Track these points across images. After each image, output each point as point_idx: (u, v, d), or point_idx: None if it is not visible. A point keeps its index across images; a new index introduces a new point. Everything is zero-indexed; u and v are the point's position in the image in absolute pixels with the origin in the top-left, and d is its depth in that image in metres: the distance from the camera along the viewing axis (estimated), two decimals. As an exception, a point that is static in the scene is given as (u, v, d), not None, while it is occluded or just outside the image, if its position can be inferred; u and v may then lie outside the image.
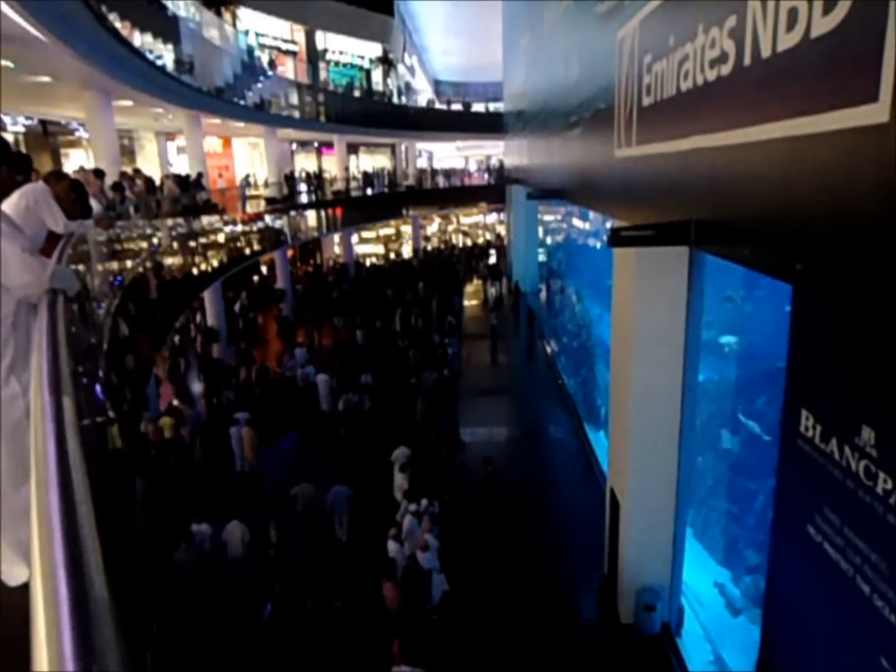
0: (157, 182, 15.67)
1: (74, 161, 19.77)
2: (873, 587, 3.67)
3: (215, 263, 19.85)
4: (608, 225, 8.43)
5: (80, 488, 1.35)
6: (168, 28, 15.36)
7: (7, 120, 17.12)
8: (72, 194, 4.99)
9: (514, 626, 8.66)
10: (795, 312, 4.54)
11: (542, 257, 28.27)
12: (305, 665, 7.83)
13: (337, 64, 34.61)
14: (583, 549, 10.22)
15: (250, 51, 24.90)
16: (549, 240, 26.67)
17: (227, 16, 24.15)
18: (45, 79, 12.18)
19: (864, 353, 3.82)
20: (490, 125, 33.55)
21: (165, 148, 23.98)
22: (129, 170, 14.97)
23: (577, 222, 19.36)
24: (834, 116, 2.56)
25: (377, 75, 37.38)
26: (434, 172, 37.76)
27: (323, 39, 33.12)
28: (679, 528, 8.32)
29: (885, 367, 3.62)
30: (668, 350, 7.67)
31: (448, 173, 38.22)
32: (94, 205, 7.03)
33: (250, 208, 23.13)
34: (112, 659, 1.02)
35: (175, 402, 14.97)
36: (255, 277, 29.53)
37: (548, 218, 26.97)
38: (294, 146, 33.23)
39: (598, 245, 15.85)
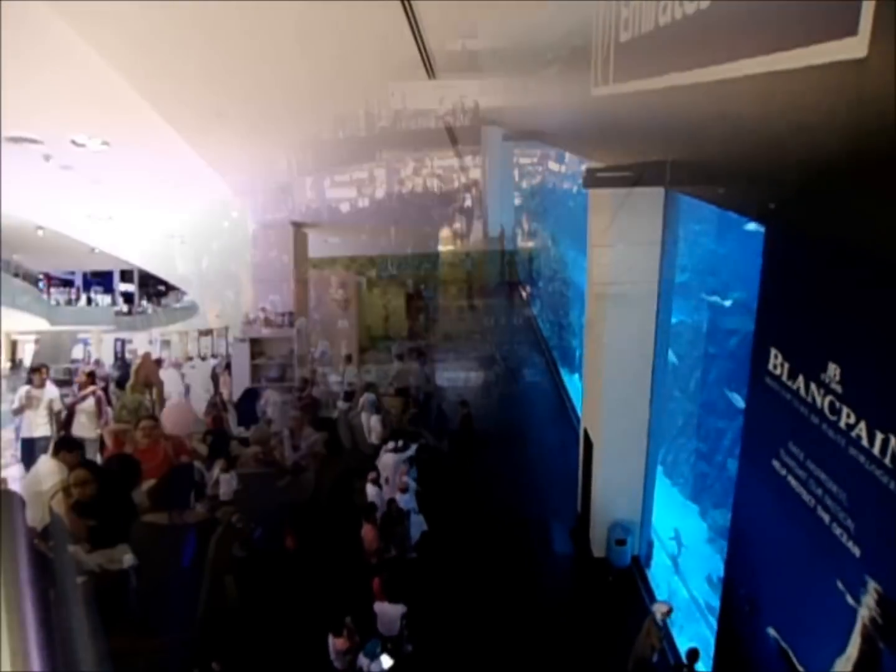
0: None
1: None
2: (832, 516, 3.83)
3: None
4: (584, 168, 8.34)
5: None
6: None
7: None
8: None
9: (489, 563, 8.95)
10: (767, 253, 4.57)
11: (517, 201, 27.93)
12: (287, 602, 8.02)
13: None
14: (556, 487, 10.51)
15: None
16: (524, 183, 26.35)
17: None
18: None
19: (832, 292, 3.87)
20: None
21: None
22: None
23: (552, 165, 19.12)
24: (811, 51, 2.50)
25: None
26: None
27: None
28: (650, 467, 8.57)
29: (851, 304, 3.69)
30: (643, 293, 7.72)
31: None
32: None
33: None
34: (70, 582, 1.02)
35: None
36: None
37: (523, 160, 26.53)
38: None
39: (574, 189, 15.73)
